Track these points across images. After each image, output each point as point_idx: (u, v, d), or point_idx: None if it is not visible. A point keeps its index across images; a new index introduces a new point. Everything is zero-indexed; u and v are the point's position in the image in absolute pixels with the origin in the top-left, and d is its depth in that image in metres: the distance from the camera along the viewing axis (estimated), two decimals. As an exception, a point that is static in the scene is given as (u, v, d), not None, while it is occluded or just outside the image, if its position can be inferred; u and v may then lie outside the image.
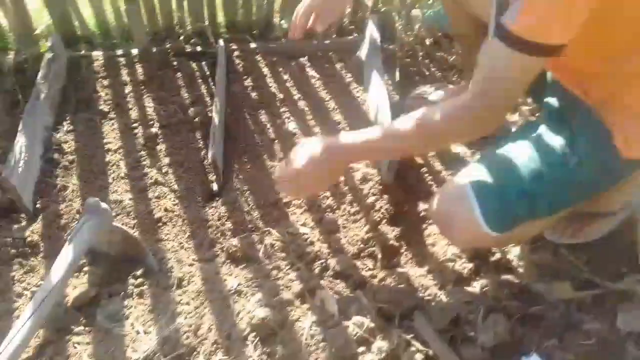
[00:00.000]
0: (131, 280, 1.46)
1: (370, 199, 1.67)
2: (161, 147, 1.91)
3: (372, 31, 2.18)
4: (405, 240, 1.59)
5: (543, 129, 1.25)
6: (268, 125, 2.00)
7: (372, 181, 1.72)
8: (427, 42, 2.32)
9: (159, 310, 1.38)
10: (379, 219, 1.63)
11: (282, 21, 2.43)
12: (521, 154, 1.22)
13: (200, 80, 2.19)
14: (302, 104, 2.10)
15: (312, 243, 1.55)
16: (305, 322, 1.30)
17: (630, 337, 1.31)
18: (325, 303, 1.34)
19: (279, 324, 1.29)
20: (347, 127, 1.98)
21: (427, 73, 2.24)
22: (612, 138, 1.14)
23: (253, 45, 2.33)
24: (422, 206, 1.67)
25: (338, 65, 2.28)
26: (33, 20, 2.23)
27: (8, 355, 1.14)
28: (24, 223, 1.61)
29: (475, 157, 1.69)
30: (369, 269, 1.51)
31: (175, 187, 1.77)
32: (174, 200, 1.72)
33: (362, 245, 1.57)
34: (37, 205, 1.66)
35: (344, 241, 1.59)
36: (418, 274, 1.47)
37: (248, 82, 2.17)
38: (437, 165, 1.81)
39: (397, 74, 2.19)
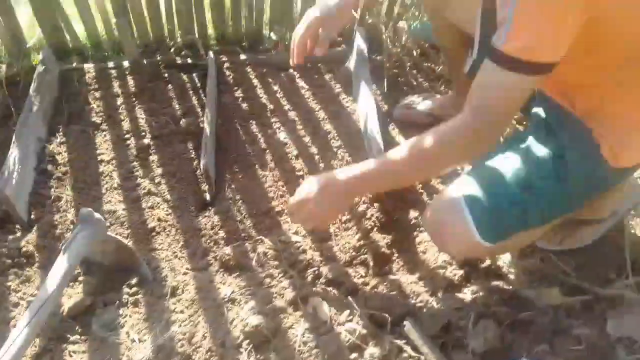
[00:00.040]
0: (126, 290, 1.47)
1: (362, 207, 1.69)
2: (153, 157, 1.93)
3: (359, 43, 2.22)
4: (397, 248, 1.61)
5: (531, 140, 1.25)
6: (259, 136, 2.03)
7: (362, 190, 1.74)
8: (415, 53, 2.36)
9: (154, 319, 1.39)
10: (370, 227, 1.64)
11: (272, 33, 2.45)
12: (511, 165, 1.22)
13: (191, 92, 2.21)
14: (292, 114, 2.12)
15: (304, 251, 1.56)
16: (298, 329, 1.31)
17: (620, 342, 1.31)
18: (317, 310, 1.35)
19: (272, 331, 1.30)
20: (337, 137, 2.01)
21: (415, 83, 2.27)
22: (600, 147, 1.16)
23: (243, 57, 2.35)
24: (412, 214, 1.69)
25: (327, 76, 2.31)
26: (25, 34, 2.25)
27: (5, 364, 1.15)
28: (19, 234, 1.62)
29: (465, 169, 1.71)
30: (361, 277, 1.53)
31: (168, 197, 1.79)
32: (167, 210, 1.74)
33: (354, 253, 1.59)
34: (32, 216, 1.67)
35: (335, 249, 1.60)
36: (409, 281, 1.49)
37: (238, 93, 2.20)
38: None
39: (385, 84, 2.22)
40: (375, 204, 1.69)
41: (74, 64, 2.26)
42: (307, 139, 2.01)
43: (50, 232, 1.63)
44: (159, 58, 2.31)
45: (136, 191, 1.80)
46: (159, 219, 1.71)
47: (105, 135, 2.00)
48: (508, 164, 1.23)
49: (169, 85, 2.22)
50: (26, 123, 1.84)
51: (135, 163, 1.90)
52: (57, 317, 1.40)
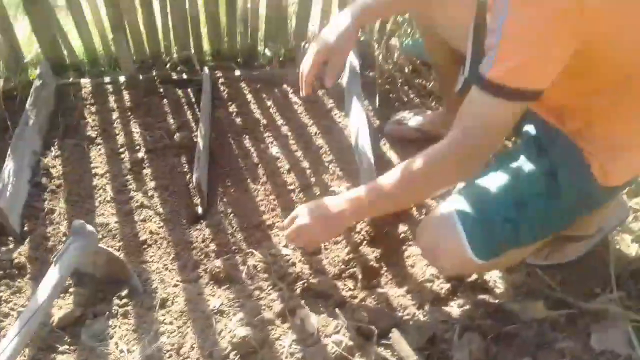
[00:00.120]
0: (116, 301, 1.49)
1: (351, 221, 1.71)
2: (147, 171, 1.95)
3: (352, 59, 2.25)
4: (385, 262, 1.62)
5: (523, 159, 1.26)
6: (252, 150, 2.05)
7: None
8: (406, 69, 2.39)
9: (143, 330, 1.41)
10: (359, 240, 1.66)
11: (266, 50, 2.49)
12: (503, 183, 1.24)
13: (185, 107, 2.23)
14: (285, 129, 2.15)
15: (293, 264, 1.58)
16: (285, 340, 1.32)
17: (603, 356, 1.32)
18: (305, 322, 1.36)
19: (259, 342, 1.31)
20: (328, 151, 2.03)
21: (406, 99, 2.30)
22: (590, 167, 1.17)
23: (237, 72, 2.38)
24: (402, 228, 1.70)
25: (320, 92, 2.33)
26: (23, 49, 2.28)
27: (-6, 374, 1.16)
28: (11, 245, 1.64)
29: (457, 187, 1.73)
30: (350, 289, 1.54)
31: (161, 210, 1.81)
32: (159, 223, 1.76)
33: (343, 266, 1.60)
34: (25, 228, 1.69)
35: (325, 262, 1.62)
36: (397, 294, 1.50)
37: (232, 108, 2.23)
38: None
39: (377, 100, 2.25)
40: (365, 218, 1.70)
41: (71, 79, 2.29)
42: (299, 153, 2.04)
43: (43, 244, 1.65)
44: (154, 73, 2.33)
45: (129, 204, 1.82)
46: (151, 232, 1.72)
47: (99, 149, 2.02)
48: (500, 181, 1.24)
49: (164, 100, 2.25)
50: (22, 136, 1.87)
51: (128, 176, 1.92)
52: (47, 328, 1.41)
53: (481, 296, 1.49)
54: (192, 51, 2.42)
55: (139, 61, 2.40)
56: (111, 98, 2.25)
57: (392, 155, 2.02)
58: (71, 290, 1.51)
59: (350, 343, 1.31)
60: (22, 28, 2.41)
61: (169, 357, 1.33)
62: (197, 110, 2.21)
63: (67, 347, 1.38)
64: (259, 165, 1.99)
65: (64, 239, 1.67)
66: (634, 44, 1.01)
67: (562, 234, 1.48)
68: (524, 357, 1.32)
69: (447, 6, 1.52)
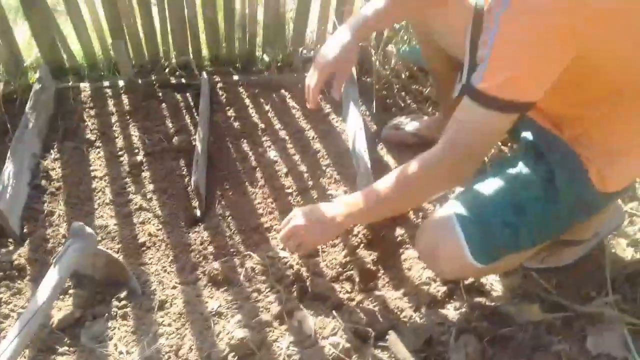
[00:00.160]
0: (115, 303, 1.50)
1: (348, 225, 1.72)
2: (146, 174, 1.96)
3: (350, 65, 2.26)
4: (383, 264, 1.63)
5: (521, 164, 1.27)
6: (250, 154, 2.06)
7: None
8: (403, 75, 2.40)
9: (142, 332, 1.42)
10: (357, 243, 1.67)
11: (264, 55, 2.50)
12: (502, 188, 1.25)
13: (184, 111, 2.25)
14: (282, 133, 2.17)
15: (291, 266, 1.59)
16: (282, 342, 1.33)
17: (599, 359, 1.32)
18: (302, 324, 1.37)
19: (257, 344, 1.32)
20: (326, 155, 2.05)
21: (403, 104, 2.31)
22: (588, 172, 1.19)
23: (236, 77, 2.40)
24: (398, 232, 1.71)
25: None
26: (23, 53, 2.29)
27: (-6, 375, 1.17)
28: (11, 247, 1.65)
29: (455, 192, 1.74)
30: (347, 292, 1.55)
31: (159, 212, 1.82)
32: (157, 226, 1.77)
33: (340, 269, 1.61)
34: (25, 230, 1.70)
35: (322, 265, 1.63)
36: (394, 297, 1.51)
37: (231, 113, 2.24)
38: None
39: (374, 105, 2.26)
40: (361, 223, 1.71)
41: (70, 83, 2.30)
42: (296, 157, 2.05)
43: (42, 246, 1.66)
44: (153, 78, 2.35)
45: (128, 207, 1.83)
46: (150, 234, 1.74)
47: (99, 152, 2.04)
48: (498, 186, 1.26)
49: (163, 104, 2.26)
50: (22, 139, 1.88)
51: (127, 179, 1.94)
52: (47, 329, 1.42)
53: (477, 299, 1.50)
54: (191, 56, 2.43)
55: (137, 66, 2.42)
56: (110, 102, 2.26)
57: (389, 159, 2.03)
58: (70, 291, 1.52)
59: (347, 345, 1.32)
60: (22, 32, 2.43)
61: (167, 359, 1.34)
62: (195, 114, 2.22)
63: (66, 348, 1.39)
64: (257, 169, 2.00)
65: (63, 240, 1.68)
66: (626, 59, 1.03)
67: (559, 238, 1.48)
68: (519, 359, 1.33)
69: (445, 15, 1.54)
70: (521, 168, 1.27)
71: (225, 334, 1.36)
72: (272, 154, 2.06)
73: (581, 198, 1.22)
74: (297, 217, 1.39)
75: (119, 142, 2.08)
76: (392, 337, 1.37)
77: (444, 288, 1.52)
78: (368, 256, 1.64)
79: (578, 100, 1.15)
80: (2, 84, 2.23)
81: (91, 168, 1.97)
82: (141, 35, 2.34)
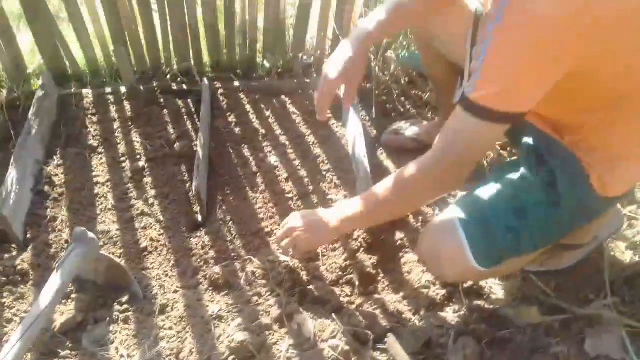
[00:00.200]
0: (116, 307, 1.51)
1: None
2: (147, 180, 1.98)
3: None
4: (382, 268, 1.64)
5: (523, 169, 1.28)
6: (250, 159, 2.08)
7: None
8: (403, 80, 2.42)
9: (143, 335, 1.43)
10: (356, 247, 1.68)
11: (265, 61, 2.52)
12: (504, 193, 1.26)
13: (185, 117, 2.26)
14: (283, 138, 2.18)
15: (291, 271, 1.59)
16: (282, 345, 1.34)
17: None
18: (302, 327, 1.38)
19: (257, 347, 1.33)
20: (326, 160, 2.06)
21: (403, 110, 2.33)
22: (589, 177, 1.19)
23: (237, 83, 2.41)
24: (398, 235, 1.72)
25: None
26: (25, 60, 2.31)
27: (-4, 379, 1.18)
28: (14, 252, 1.66)
29: (458, 196, 1.75)
30: (347, 296, 1.56)
31: (161, 217, 1.83)
32: (159, 231, 1.78)
33: (340, 273, 1.62)
34: (28, 235, 1.71)
35: (322, 269, 1.64)
36: (394, 300, 1.52)
37: (232, 118, 2.26)
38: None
39: (374, 110, 2.27)
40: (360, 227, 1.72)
41: (73, 89, 2.32)
42: (297, 162, 2.06)
43: (45, 251, 1.67)
44: (155, 84, 2.36)
45: (130, 212, 1.84)
46: (151, 239, 1.75)
47: (101, 158, 2.05)
48: (500, 190, 1.27)
49: (165, 110, 2.28)
50: (25, 146, 1.90)
51: (129, 185, 1.95)
52: (49, 333, 1.43)
53: (476, 302, 1.51)
54: (192, 62, 2.45)
55: (139, 72, 2.43)
56: (112, 108, 2.28)
57: (388, 164, 2.04)
58: (73, 296, 1.54)
59: (347, 348, 1.32)
60: (25, 39, 2.44)
61: (168, 362, 1.35)
62: (196, 120, 2.23)
63: (68, 352, 1.40)
64: (258, 174, 2.01)
65: (66, 246, 1.69)
66: (624, 67, 1.03)
67: (559, 242, 1.49)
68: (518, 361, 1.34)
69: (446, 22, 1.55)
70: (523, 172, 1.28)
71: (225, 337, 1.37)
72: (273, 159, 2.07)
73: (582, 203, 1.23)
74: (293, 219, 1.42)
75: (121, 148, 2.10)
76: (391, 339, 1.38)
77: (443, 291, 1.53)
78: (368, 260, 1.65)
79: (576, 108, 1.16)
80: (5, 90, 2.25)
81: (93, 174, 1.98)
82: (143, 42, 2.35)
